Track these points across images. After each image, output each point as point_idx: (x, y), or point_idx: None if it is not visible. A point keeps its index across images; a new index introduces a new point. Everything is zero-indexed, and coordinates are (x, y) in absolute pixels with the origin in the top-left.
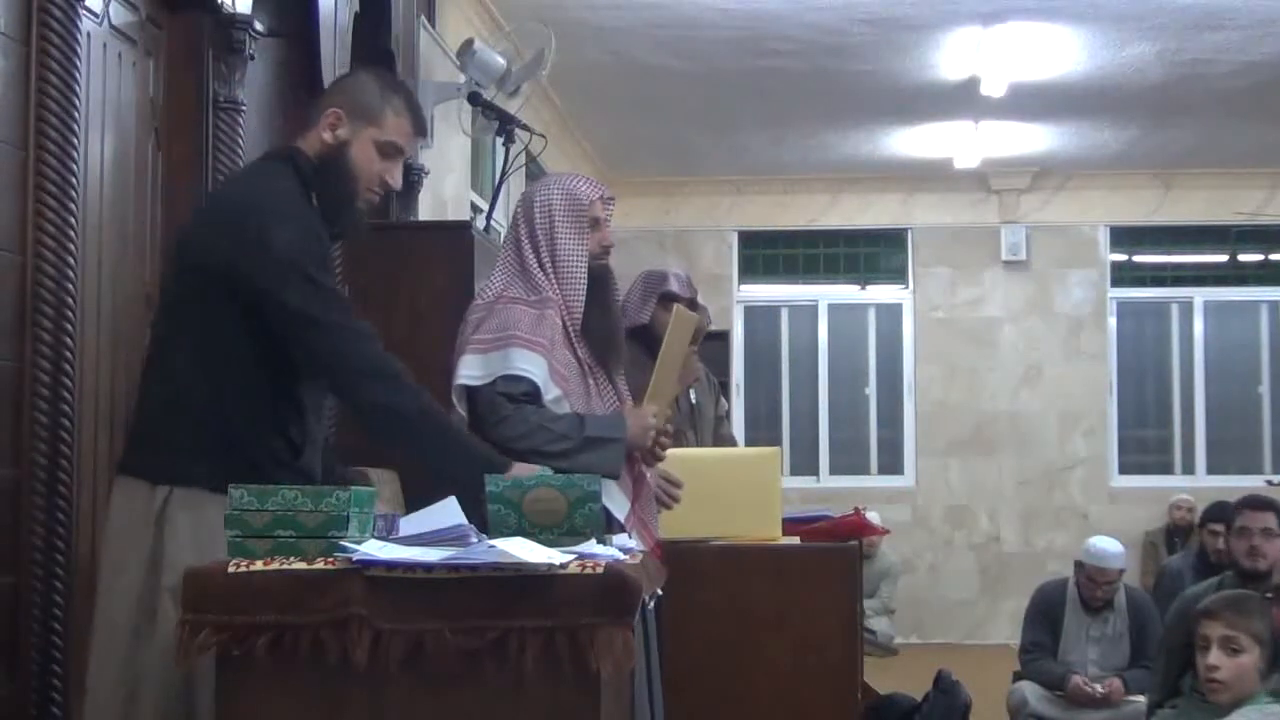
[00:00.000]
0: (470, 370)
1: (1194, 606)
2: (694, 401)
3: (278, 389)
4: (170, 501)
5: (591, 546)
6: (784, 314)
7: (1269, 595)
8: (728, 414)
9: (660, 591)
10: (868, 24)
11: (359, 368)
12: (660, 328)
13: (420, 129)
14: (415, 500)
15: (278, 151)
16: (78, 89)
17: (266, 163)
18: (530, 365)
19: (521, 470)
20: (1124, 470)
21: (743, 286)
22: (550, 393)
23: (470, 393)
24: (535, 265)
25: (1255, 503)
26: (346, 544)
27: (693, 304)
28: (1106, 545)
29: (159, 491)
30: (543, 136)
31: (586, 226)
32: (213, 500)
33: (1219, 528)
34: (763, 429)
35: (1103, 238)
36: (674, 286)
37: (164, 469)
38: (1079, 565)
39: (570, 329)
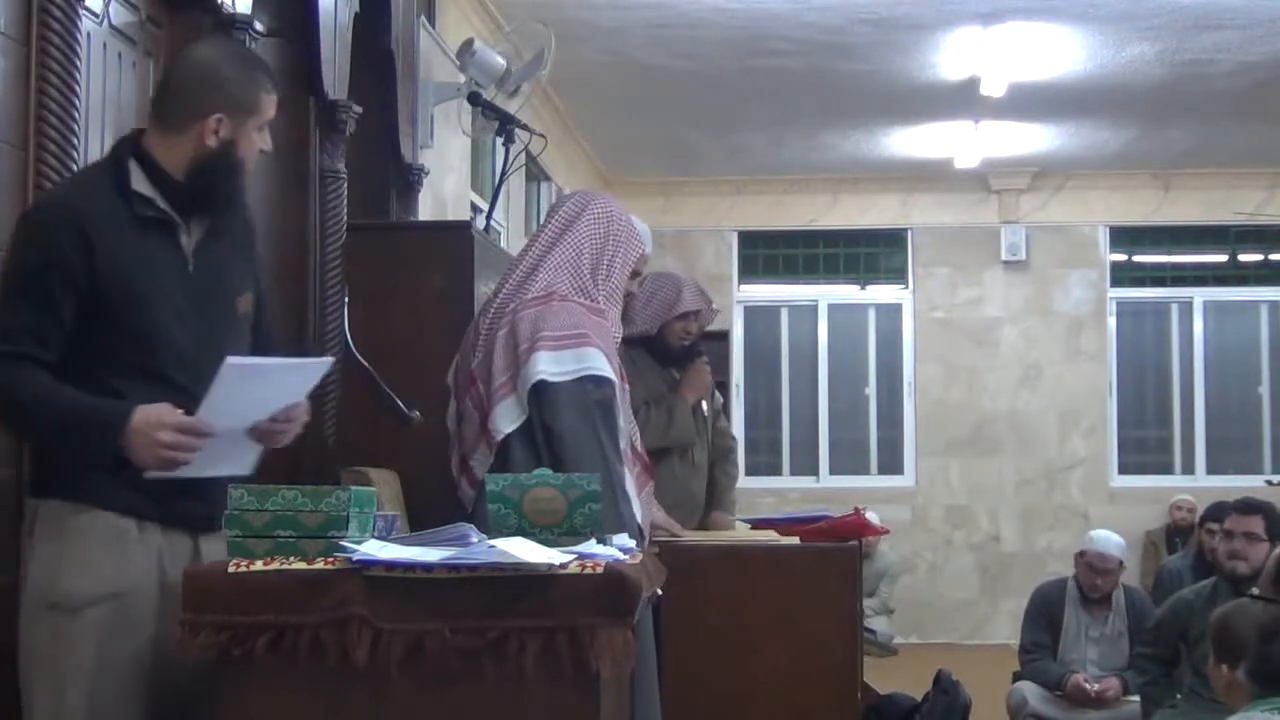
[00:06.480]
0: (547, 366)
1: (1185, 609)
2: (705, 414)
3: (93, 388)
4: (36, 518)
5: (591, 546)
6: (784, 314)
7: None
8: (723, 408)
9: (660, 591)
10: (868, 24)
11: None
12: (671, 339)
13: (278, 89)
14: (415, 500)
15: (114, 146)
16: (78, 89)
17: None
18: (607, 366)
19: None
20: (1124, 470)
21: (743, 286)
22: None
23: (546, 387)
24: (589, 272)
25: (1244, 506)
26: (346, 544)
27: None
28: (1109, 534)
29: (29, 507)
30: (543, 136)
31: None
32: (67, 509)
33: (1217, 528)
34: (762, 429)
35: (1102, 238)
36: (689, 305)
37: (32, 484)
38: (1080, 555)
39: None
